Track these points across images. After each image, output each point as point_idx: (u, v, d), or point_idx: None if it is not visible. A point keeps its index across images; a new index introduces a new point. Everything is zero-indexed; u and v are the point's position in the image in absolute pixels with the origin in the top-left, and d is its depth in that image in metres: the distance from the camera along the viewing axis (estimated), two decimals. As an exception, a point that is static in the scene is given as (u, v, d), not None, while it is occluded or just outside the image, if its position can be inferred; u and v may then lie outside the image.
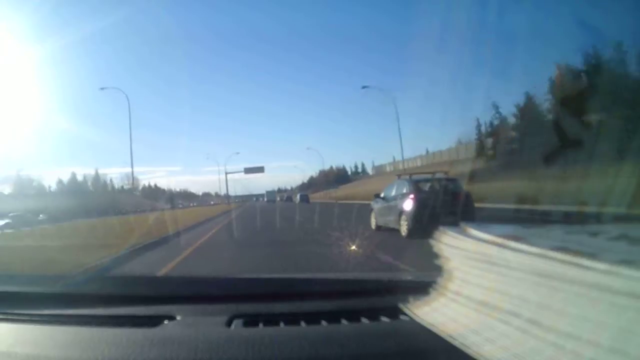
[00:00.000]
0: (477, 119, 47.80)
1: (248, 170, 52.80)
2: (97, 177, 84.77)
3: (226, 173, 54.60)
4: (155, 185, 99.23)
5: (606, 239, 0.73)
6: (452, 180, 9.33)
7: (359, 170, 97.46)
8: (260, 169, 53.42)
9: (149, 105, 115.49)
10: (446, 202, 7.82)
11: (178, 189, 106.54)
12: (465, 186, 10.02)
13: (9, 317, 1.03)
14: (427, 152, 61.38)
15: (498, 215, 11.08)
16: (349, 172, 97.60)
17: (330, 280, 1.37)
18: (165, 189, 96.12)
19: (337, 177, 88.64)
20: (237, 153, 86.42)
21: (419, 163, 59.14)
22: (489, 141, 42.28)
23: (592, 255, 0.58)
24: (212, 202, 75.37)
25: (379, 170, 74.40)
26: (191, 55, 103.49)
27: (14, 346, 0.87)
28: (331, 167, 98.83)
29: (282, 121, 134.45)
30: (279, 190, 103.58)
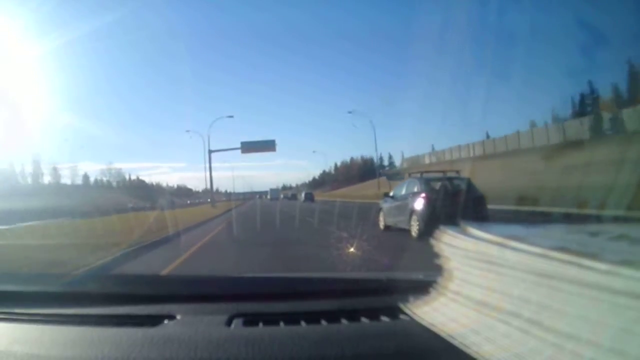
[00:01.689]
0: (590, 83, 36.08)
1: (248, 147, 33.68)
2: (37, 167, 61.84)
3: (210, 151, 33.25)
4: (138, 178, 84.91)
5: (606, 239, 0.73)
6: (464, 179, 9.13)
7: (384, 162, 75.78)
8: (268, 145, 34.49)
9: (152, 102, 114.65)
10: (458, 202, 7.64)
11: (168, 184, 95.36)
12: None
13: (8, 316, 1.03)
14: (488, 136, 45.86)
15: None
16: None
17: (330, 280, 1.37)
18: (150, 183, 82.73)
19: (362, 171, 69.21)
20: (231, 116, 57.91)
21: (479, 150, 44.72)
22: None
23: (592, 255, 0.58)
24: (188, 202, 51.24)
25: (415, 162, 57.03)
26: (195, 52, 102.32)
27: (13, 345, 0.87)
28: (352, 159, 78.87)
29: (290, 117, 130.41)
30: (284, 188, 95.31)
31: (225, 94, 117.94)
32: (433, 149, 57.75)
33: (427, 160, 56.16)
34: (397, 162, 72.05)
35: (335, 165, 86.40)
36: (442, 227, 0.90)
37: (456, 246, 0.84)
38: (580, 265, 0.58)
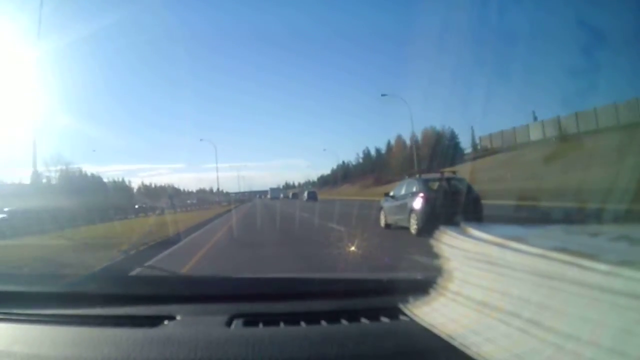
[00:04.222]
0: None
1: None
2: None
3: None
4: (92, 175, 57.48)
5: (606, 239, 0.73)
6: (461, 180, 9.62)
7: (443, 141, 44.27)
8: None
9: (152, 103, 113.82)
10: (455, 202, 8.09)
11: (149, 184, 79.99)
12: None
13: (9, 317, 1.03)
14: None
15: None
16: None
17: (330, 280, 1.37)
18: (112, 181, 61.30)
19: (434, 150, 38.22)
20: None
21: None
22: None
23: (592, 256, 0.58)
24: (136, 205, 33.13)
25: (507, 139, 38.16)
26: (194, 53, 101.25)
27: (12, 346, 0.87)
28: (409, 137, 44.93)
29: (296, 116, 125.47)
30: (287, 187, 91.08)
31: (227, 94, 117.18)
32: (535, 118, 35.90)
33: (532, 135, 34.62)
34: (464, 141, 48.81)
35: (367, 151, 63.42)
36: (442, 228, 0.90)
37: (456, 247, 0.84)
38: (580, 266, 0.58)
